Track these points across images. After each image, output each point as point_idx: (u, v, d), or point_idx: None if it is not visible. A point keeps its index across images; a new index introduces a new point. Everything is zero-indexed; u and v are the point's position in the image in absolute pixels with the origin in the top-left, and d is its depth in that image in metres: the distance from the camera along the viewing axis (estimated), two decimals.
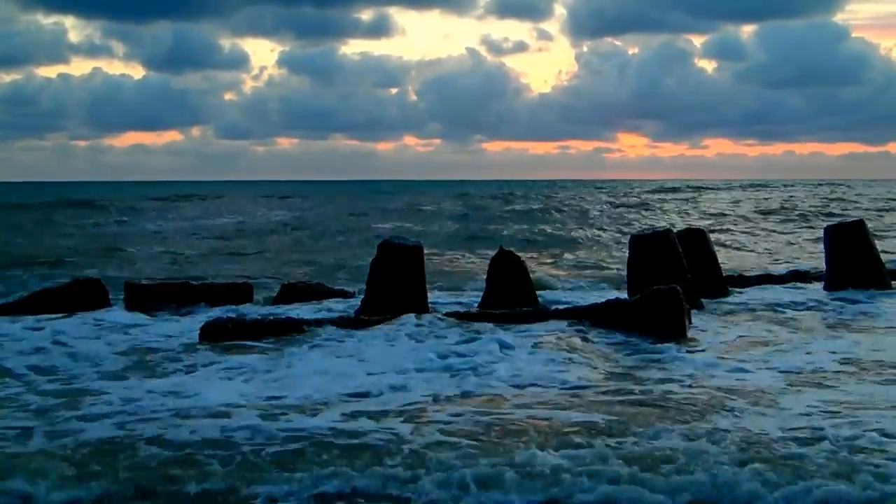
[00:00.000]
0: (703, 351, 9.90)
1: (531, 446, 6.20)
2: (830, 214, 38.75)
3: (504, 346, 9.93)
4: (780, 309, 13.07)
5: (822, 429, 6.59)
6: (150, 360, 9.88)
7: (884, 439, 6.30)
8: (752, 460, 5.85)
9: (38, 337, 10.90)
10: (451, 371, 8.89)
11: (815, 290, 14.83)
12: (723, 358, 9.44)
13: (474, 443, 6.40)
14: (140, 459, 6.12)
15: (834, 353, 9.71)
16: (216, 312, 12.73)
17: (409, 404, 7.60)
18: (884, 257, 15.52)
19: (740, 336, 10.87)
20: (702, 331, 11.13)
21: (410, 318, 11.35)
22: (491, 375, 8.64)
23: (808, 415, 7.07)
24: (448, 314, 11.74)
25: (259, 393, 8.07)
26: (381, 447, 6.32)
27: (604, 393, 7.98)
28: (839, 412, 7.14)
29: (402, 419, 7.09)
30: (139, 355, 10.11)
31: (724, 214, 42.49)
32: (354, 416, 7.18)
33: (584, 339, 10.41)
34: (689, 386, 8.17)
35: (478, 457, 6.02)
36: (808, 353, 9.69)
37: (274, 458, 6.12)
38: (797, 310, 13.05)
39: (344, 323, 11.33)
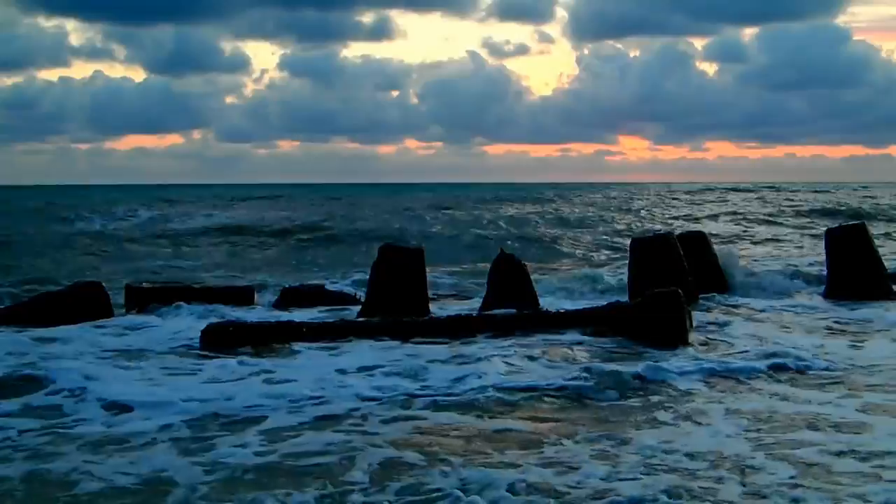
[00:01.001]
0: (694, 357, 9.72)
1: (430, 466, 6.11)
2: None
3: (480, 352, 9.93)
4: (781, 313, 13.05)
5: (745, 459, 6.20)
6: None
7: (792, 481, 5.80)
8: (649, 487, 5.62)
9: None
10: (407, 376, 8.82)
11: (815, 293, 14.87)
12: (713, 363, 9.28)
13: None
14: None
15: (825, 359, 9.57)
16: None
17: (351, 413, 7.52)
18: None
19: (739, 340, 10.81)
20: (703, 335, 11.10)
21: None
22: (453, 381, 8.49)
23: (742, 439, 6.73)
24: (449, 317, 11.72)
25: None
26: (305, 469, 6.13)
27: (550, 401, 7.95)
28: (771, 433, 6.85)
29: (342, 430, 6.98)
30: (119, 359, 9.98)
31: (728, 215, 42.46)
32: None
33: (577, 343, 10.37)
34: (644, 394, 8.15)
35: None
36: (802, 361, 9.44)
37: None
38: (798, 314, 13.03)
39: (345, 327, 11.33)
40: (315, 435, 6.90)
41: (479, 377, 8.66)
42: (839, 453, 6.32)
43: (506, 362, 9.40)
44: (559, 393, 8.21)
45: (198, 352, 10.36)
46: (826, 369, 9.15)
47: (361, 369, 9.12)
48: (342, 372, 9.06)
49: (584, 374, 8.69)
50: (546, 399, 8.06)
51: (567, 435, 6.86)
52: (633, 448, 6.50)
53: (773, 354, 9.70)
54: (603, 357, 9.71)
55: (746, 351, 10.05)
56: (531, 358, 9.62)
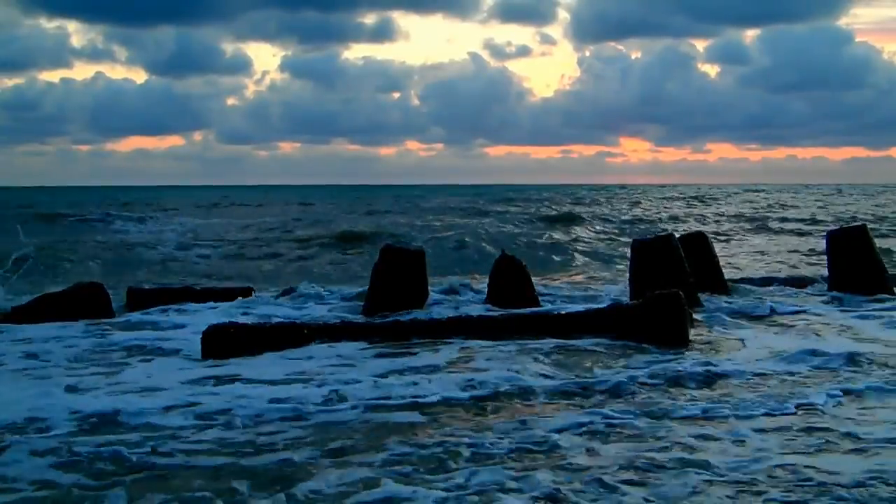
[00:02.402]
0: (688, 361, 9.45)
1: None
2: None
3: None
4: (783, 315, 13.01)
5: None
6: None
7: None
8: None
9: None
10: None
11: (817, 294, 14.88)
12: (704, 369, 9.03)
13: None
14: None
15: (814, 364, 9.26)
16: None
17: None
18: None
19: (739, 342, 10.74)
20: (703, 337, 11.06)
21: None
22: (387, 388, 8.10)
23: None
24: (450, 318, 11.70)
25: None
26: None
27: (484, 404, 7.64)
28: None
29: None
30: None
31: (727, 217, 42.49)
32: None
33: (570, 344, 10.23)
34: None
35: None
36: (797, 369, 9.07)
37: None
38: (799, 316, 12.99)
39: (347, 327, 11.32)
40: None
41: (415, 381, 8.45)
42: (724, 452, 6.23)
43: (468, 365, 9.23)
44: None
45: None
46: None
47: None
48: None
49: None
50: (481, 404, 7.70)
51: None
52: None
53: (769, 360, 9.62)
54: (592, 360, 9.52)
55: (737, 357, 9.76)
56: (501, 360, 9.40)
